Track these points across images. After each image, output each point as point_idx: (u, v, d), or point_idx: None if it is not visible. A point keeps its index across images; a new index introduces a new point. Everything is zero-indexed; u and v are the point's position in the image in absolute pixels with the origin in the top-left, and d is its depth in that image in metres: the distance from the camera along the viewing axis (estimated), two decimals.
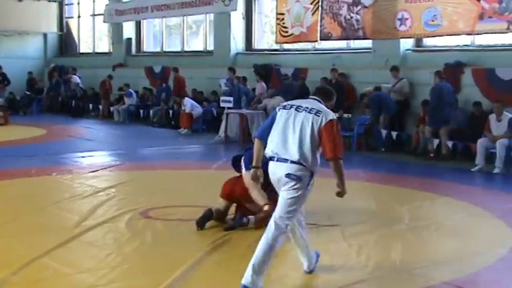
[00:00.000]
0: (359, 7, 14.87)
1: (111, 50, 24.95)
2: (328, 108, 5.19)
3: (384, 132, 14.06)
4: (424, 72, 14.19)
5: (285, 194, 5.00)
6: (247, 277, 4.83)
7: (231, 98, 16.05)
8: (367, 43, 15.98)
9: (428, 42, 15.14)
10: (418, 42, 15.24)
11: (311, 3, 15.91)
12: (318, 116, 5.01)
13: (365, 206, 8.47)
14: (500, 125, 11.94)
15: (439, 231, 7.19)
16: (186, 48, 22.00)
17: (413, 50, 15.31)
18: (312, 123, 4.98)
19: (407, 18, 13.89)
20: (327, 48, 17.09)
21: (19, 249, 6.04)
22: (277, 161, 5.03)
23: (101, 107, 22.26)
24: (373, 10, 14.58)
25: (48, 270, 5.42)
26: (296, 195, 4.96)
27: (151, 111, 20.03)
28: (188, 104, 17.88)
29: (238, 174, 7.26)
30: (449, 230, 6.92)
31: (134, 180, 10.18)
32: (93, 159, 12.54)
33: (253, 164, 5.30)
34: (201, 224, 6.85)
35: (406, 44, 15.26)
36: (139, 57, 23.57)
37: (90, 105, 22.77)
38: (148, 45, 24.21)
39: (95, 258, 5.80)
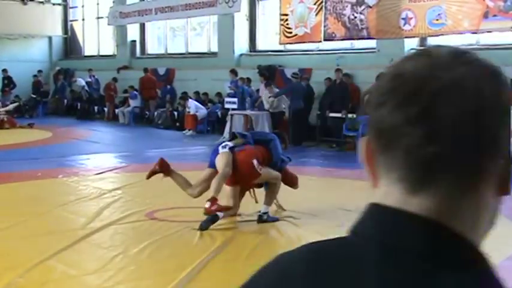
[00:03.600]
0: (363, 7, 14.86)
1: (116, 53, 25.00)
2: None
3: None
4: None
5: None
6: None
7: (236, 99, 16.04)
8: (371, 43, 15.95)
9: (432, 41, 15.10)
10: (423, 41, 15.21)
11: (314, 4, 15.91)
12: None
13: None
14: None
15: None
16: (190, 50, 22.01)
17: (417, 49, 15.27)
18: None
19: (411, 18, 13.88)
20: (331, 49, 17.05)
21: (26, 252, 6.05)
22: None
23: (106, 109, 22.32)
24: (377, 10, 14.57)
25: (55, 272, 5.43)
26: None
27: (155, 113, 20.14)
28: (192, 105, 17.92)
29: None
30: None
31: (140, 181, 10.14)
32: (99, 161, 12.56)
33: None
34: (204, 227, 6.82)
35: (411, 43, 15.23)
36: (143, 59, 23.60)
37: (96, 108, 22.84)
38: (152, 47, 24.25)
39: (101, 259, 5.81)
